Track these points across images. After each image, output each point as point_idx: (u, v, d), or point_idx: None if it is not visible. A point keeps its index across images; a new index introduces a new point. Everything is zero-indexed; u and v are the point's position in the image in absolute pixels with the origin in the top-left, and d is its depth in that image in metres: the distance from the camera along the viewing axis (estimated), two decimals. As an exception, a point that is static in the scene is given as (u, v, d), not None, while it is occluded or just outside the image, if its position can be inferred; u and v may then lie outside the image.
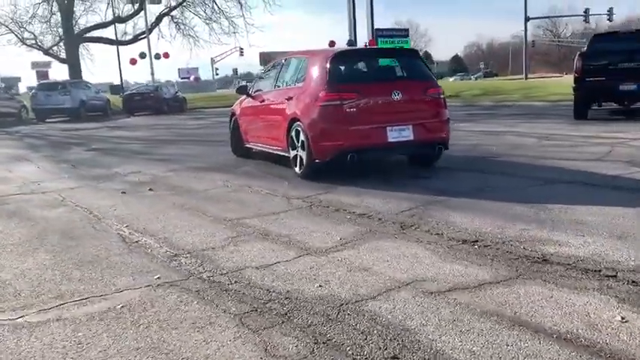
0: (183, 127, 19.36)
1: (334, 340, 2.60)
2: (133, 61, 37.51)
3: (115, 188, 7.02)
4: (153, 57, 37.43)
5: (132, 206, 5.89)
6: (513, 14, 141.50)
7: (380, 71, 7.43)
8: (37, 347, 2.68)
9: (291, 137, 7.10)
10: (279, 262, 3.77)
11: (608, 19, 53.99)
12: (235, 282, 3.43)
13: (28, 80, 69.25)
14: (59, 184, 7.51)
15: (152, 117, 26.15)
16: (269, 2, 35.76)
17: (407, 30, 42.50)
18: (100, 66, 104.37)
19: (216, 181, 7.25)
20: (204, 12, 36.76)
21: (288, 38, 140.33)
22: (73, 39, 35.04)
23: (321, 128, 6.62)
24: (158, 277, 3.57)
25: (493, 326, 2.66)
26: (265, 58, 68.17)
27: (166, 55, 40.10)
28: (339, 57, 7.07)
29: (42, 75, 45.65)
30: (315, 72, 6.99)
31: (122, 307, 3.12)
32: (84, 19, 38.34)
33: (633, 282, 3.12)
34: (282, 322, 2.81)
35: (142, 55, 37.31)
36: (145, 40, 36.80)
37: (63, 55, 36.43)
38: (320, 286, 3.30)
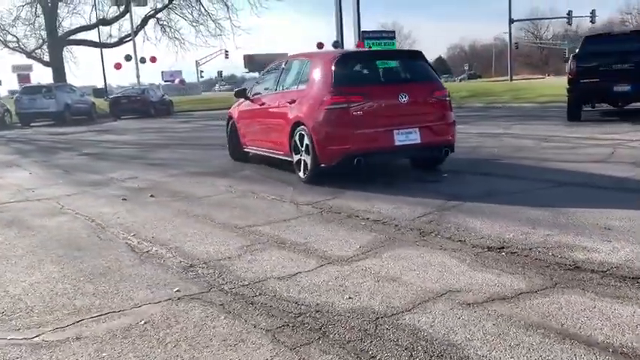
0: (172, 130, 19.12)
1: (378, 357, 2.47)
2: (118, 66, 37.05)
3: (115, 195, 6.82)
4: (138, 60, 37.00)
5: (136, 214, 5.70)
6: (495, 16, 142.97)
7: (385, 73, 7.28)
8: (60, 370, 2.52)
9: (295, 141, 6.93)
10: (300, 272, 3.63)
11: (591, 21, 54.68)
12: (260, 294, 3.28)
13: (9, 84, 68.07)
14: (55, 191, 7.28)
15: (139, 120, 25.81)
16: (255, 4, 35.54)
17: (393, 32, 42.36)
18: (84, 69, 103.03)
19: (218, 186, 7.08)
20: (191, 14, 36.42)
21: (273, 40, 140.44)
22: (57, 42, 34.46)
23: (327, 132, 6.47)
24: (178, 290, 3.41)
25: (542, 340, 2.54)
26: (250, 61, 67.99)
27: (153, 60, 39.72)
28: (343, 59, 6.93)
29: (23, 78, 45.00)
30: (319, 74, 6.83)
31: (145, 323, 2.96)
32: (68, 22, 37.99)
33: (674, 290, 3.03)
34: (319, 338, 2.67)
35: (128, 58, 36.85)
36: (130, 42, 36.40)
37: (46, 57, 35.83)
38: (350, 298, 3.16)
